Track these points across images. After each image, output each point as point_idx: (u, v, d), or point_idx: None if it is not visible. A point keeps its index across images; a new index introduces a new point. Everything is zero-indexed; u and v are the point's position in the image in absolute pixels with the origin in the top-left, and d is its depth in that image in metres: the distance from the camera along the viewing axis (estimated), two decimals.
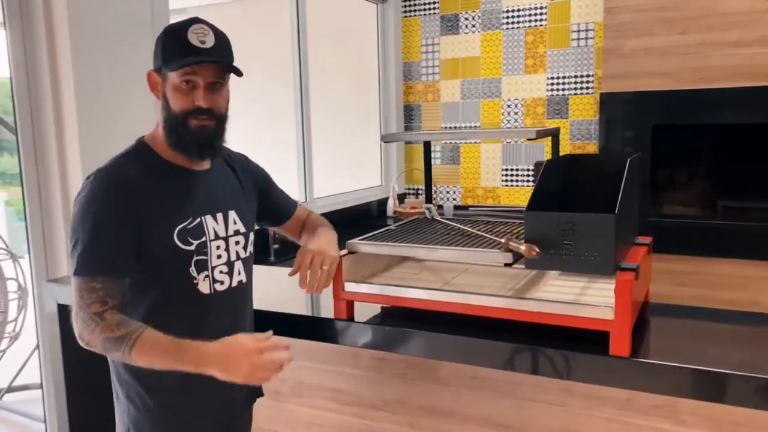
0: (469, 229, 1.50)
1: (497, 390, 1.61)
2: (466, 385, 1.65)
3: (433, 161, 4.08)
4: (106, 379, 2.07)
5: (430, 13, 3.94)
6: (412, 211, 3.69)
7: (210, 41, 1.26)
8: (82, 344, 1.23)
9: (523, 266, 1.28)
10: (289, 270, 1.40)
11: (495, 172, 3.92)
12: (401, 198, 4.01)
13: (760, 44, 2.72)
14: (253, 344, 1.19)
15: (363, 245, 1.43)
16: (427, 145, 1.74)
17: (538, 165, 3.77)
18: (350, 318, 1.50)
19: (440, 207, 3.87)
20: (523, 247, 1.20)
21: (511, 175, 3.88)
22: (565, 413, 1.53)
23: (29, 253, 2.10)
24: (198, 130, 1.27)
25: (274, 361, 1.19)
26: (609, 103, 3.09)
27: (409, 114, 4.09)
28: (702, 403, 1.37)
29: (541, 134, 1.41)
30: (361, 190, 3.87)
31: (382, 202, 3.89)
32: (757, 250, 2.86)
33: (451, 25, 3.89)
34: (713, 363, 1.21)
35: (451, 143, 4.00)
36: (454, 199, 4.02)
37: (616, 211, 1.18)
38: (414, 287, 1.40)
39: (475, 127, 3.90)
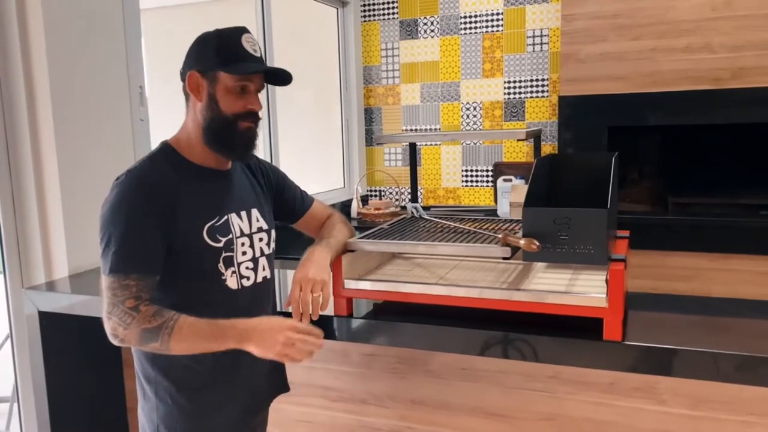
0: (460, 225, 1.56)
1: (486, 380, 1.68)
2: (456, 377, 1.72)
3: (395, 163, 4.16)
4: (93, 389, 2.06)
5: (389, 18, 4.02)
6: (376, 212, 3.74)
7: (258, 51, 1.34)
8: (115, 342, 1.25)
9: (520, 260, 1.36)
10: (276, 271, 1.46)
11: (455, 173, 4.03)
12: (364, 200, 4.06)
13: (706, 50, 2.91)
14: (290, 323, 1.26)
15: (366, 243, 1.47)
16: (412, 147, 1.80)
17: (497, 165, 3.90)
18: (350, 314, 1.55)
19: (403, 208, 3.93)
20: (522, 242, 1.28)
21: (471, 175, 3.99)
22: (552, 399, 1.62)
23: (3, 261, 2.05)
24: (246, 132, 1.34)
25: (306, 343, 1.25)
26: (567, 105, 3.23)
27: (370, 117, 4.15)
28: (680, 383, 1.48)
29: (530, 135, 1.49)
30: (324, 192, 3.91)
31: (346, 204, 3.93)
32: (706, 243, 3.05)
33: (410, 30, 3.97)
34: (693, 343, 1.31)
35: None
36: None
37: (608, 206, 1.27)
38: (416, 282, 1.46)
39: (436, 129, 3.99)
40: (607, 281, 1.30)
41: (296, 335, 1.24)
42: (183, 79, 1.35)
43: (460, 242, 1.42)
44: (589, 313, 1.31)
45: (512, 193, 3.34)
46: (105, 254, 1.25)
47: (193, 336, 1.22)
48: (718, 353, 1.26)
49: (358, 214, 3.83)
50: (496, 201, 3.87)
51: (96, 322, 2.04)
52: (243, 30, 1.34)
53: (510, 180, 3.73)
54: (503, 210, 3.65)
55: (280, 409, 1.92)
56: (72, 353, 2.01)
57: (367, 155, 4.21)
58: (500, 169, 3.93)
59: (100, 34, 2.17)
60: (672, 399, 1.50)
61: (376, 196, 4.21)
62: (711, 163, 3.27)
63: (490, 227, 1.60)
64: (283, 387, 1.55)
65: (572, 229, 1.27)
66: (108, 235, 1.25)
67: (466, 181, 4.01)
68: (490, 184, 3.95)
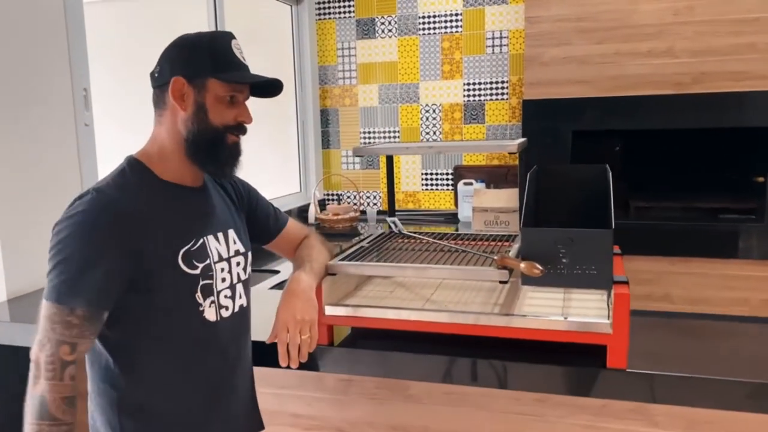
0: (445, 243, 1.47)
1: (472, 404, 1.59)
2: (439, 402, 1.62)
3: (353, 166, 4.04)
4: None
5: (345, 17, 3.89)
6: (335, 218, 3.62)
7: (245, 59, 1.23)
8: (31, 369, 1.10)
9: (511, 281, 1.27)
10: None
11: (415, 176, 3.94)
12: (322, 204, 3.93)
13: (667, 55, 2.92)
14: None
15: (350, 266, 1.35)
16: (389, 158, 1.69)
17: (457, 169, 3.84)
18: (331, 343, 1.43)
19: (363, 212, 3.83)
20: (523, 265, 1.19)
21: (431, 179, 3.91)
22: (541, 423, 1.54)
23: None
24: (233, 146, 1.23)
25: None
26: (530, 109, 3.19)
27: (326, 118, 4.02)
28: (675, 405, 1.43)
29: (521, 147, 1.41)
30: (280, 197, 3.75)
31: (303, 209, 3.79)
32: (667, 247, 3.07)
33: (367, 29, 3.86)
34: (702, 370, 1.25)
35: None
36: (375, 204, 4.00)
37: (612, 226, 1.20)
38: (405, 308, 1.35)
39: (395, 131, 3.89)
40: (609, 305, 1.22)
41: None
42: (156, 86, 1.21)
43: (452, 264, 1.32)
44: (591, 340, 1.23)
45: (475, 198, 3.29)
46: (53, 279, 1.09)
47: None
48: (729, 381, 1.21)
49: (316, 219, 3.70)
50: (456, 204, 3.81)
51: None
52: (231, 35, 1.23)
53: (470, 183, 3.68)
54: (464, 214, 3.59)
55: None
56: (8, 389, 1.81)
57: (323, 158, 4.08)
58: (460, 173, 3.87)
59: (40, 31, 1.97)
60: (666, 421, 1.45)
61: (334, 200, 4.09)
62: (672, 167, 3.29)
63: (478, 245, 1.51)
64: (258, 425, 1.41)
65: (574, 251, 1.19)
66: (61, 259, 1.08)
67: (426, 185, 3.93)
68: (450, 187, 3.89)
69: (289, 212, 3.67)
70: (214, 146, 1.20)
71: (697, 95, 2.90)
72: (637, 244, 3.10)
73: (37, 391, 1.07)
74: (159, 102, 1.21)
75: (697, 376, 1.22)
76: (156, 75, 1.20)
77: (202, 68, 1.17)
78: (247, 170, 3.43)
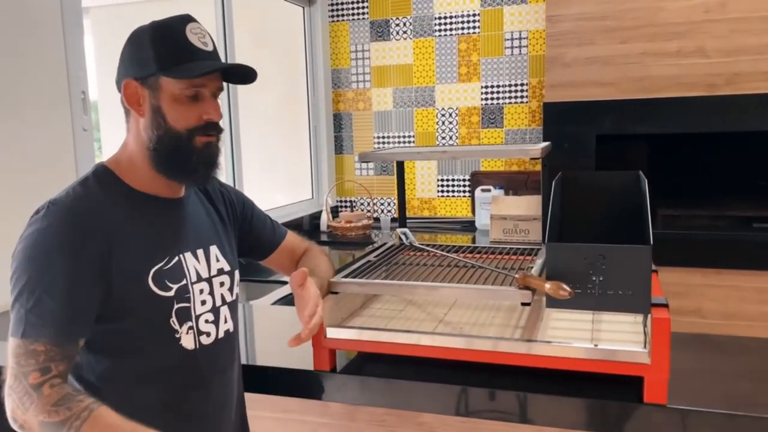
0: (460, 258, 1.33)
1: None
2: (454, 430, 1.49)
3: (366, 172, 3.91)
4: None
5: (359, 18, 3.78)
6: (348, 225, 3.49)
7: (210, 43, 1.07)
8: (15, 427, 0.95)
9: (533, 299, 1.13)
10: None
11: (430, 183, 3.81)
12: (334, 211, 3.80)
13: (699, 55, 2.75)
14: None
15: (354, 284, 1.22)
16: (400, 165, 1.56)
17: (474, 175, 3.70)
18: (333, 369, 1.30)
19: (377, 220, 3.70)
20: (548, 286, 1.05)
21: (447, 185, 3.78)
22: None
23: None
24: (205, 148, 1.07)
25: None
26: (552, 112, 3.04)
27: (339, 123, 3.90)
28: None
29: (545, 151, 1.27)
30: (291, 204, 3.64)
31: (315, 216, 3.67)
32: (697, 258, 2.89)
33: (381, 31, 3.74)
34: (756, 407, 1.10)
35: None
36: (390, 211, 3.87)
37: (651, 242, 1.05)
38: (414, 332, 1.21)
39: (410, 136, 3.76)
40: (646, 331, 1.08)
41: None
42: (120, 90, 1.09)
43: (467, 282, 1.18)
44: (626, 371, 1.09)
45: (493, 205, 3.15)
46: (15, 311, 0.96)
47: None
48: None
49: (329, 227, 3.57)
50: (473, 212, 3.67)
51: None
52: (187, 19, 1.07)
53: (488, 190, 3.53)
54: (482, 222, 3.45)
55: None
56: None
57: (336, 164, 3.96)
58: (478, 179, 3.73)
59: (36, 34, 1.87)
60: None
61: (346, 207, 3.96)
62: (702, 173, 3.12)
63: (496, 259, 1.37)
64: None
65: (607, 270, 1.05)
66: (18, 286, 0.96)
67: (442, 192, 3.79)
68: (467, 194, 3.74)
69: (301, 219, 3.56)
70: (179, 153, 1.06)
71: (730, 97, 2.73)
72: (665, 254, 2.90)
73: (34, 424, 0.92)
74: (124, 108, 1.09)
75: (751, 415, 1.07)
76: (116, 80, 1.09)
77: (150, 66, 1.03)
78: (258, 176, 3.29)
